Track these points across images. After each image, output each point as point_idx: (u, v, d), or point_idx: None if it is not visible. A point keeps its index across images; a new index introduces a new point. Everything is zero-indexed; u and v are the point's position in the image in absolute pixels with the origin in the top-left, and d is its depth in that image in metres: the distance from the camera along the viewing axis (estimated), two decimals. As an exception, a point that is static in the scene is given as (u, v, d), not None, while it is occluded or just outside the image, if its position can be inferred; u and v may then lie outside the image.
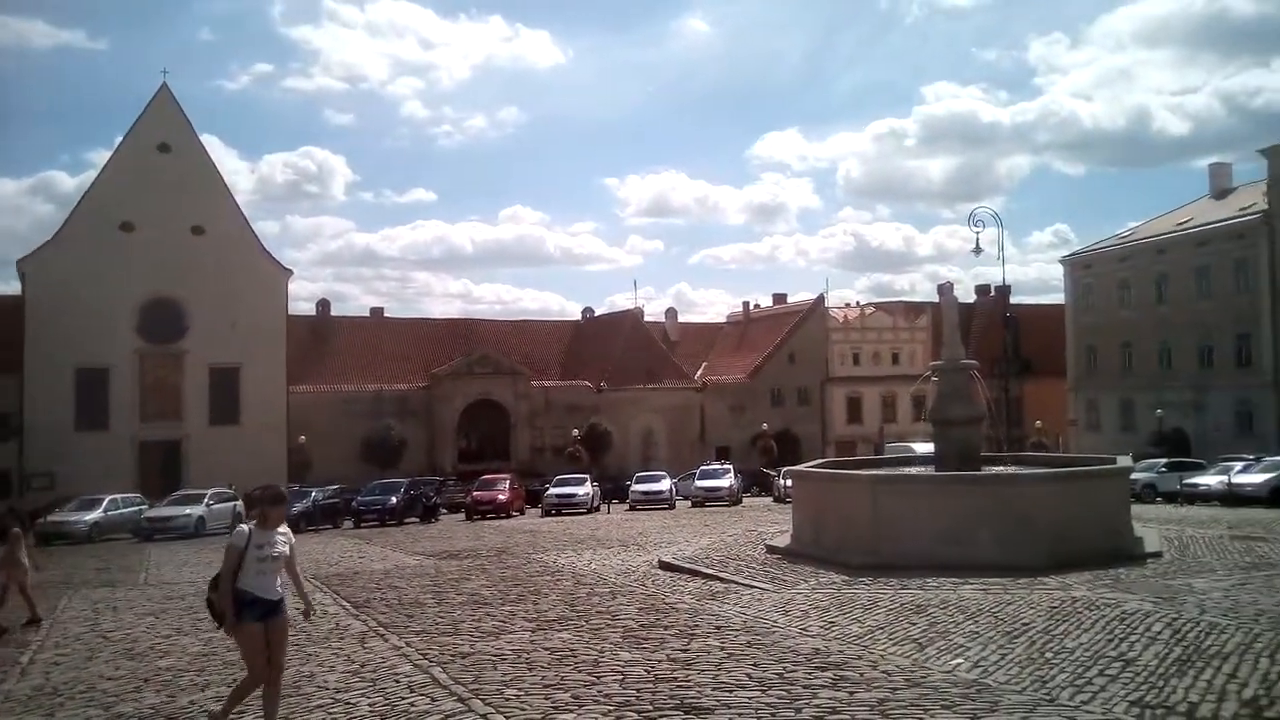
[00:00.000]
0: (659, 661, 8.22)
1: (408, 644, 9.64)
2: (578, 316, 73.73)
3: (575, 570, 15.32)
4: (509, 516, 34.20)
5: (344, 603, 12.83)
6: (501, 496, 35.13)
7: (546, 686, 7.56)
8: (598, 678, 7.75)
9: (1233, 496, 29.41)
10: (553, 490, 36.84)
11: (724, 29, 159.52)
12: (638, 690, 7.28)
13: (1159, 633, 8.46)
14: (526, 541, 21.67)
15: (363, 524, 32.09)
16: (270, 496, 6.75)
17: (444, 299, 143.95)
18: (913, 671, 7.47)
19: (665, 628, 9.81)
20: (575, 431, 47.72)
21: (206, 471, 41.69)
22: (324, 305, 64.79)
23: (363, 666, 8.73)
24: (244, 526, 6.63)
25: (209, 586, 6.71)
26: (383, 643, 9.81)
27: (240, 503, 31.13)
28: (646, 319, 72.89)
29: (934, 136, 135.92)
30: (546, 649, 9.02)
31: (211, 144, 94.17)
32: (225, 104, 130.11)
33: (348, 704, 7.38)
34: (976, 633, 8.82)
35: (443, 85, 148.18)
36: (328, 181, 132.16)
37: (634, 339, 65.26)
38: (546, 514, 34.76)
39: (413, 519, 33.45)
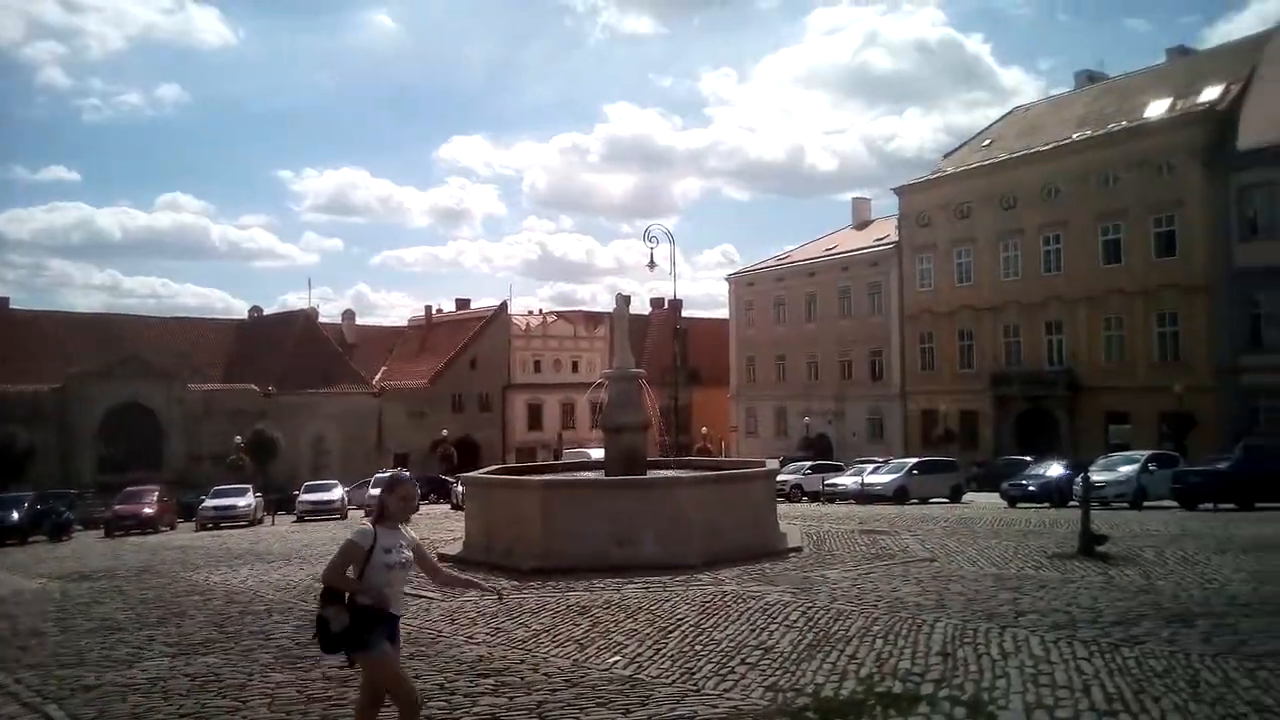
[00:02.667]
0: (313, 681, 7.77)
1: (18, 680, 8.43)
2: (244, 315, 69.08)
3: (228, 588, 14.20)
4: (157, 532, 31.17)
5: (-62, 638, 11.04)
6: (148, 510, 31.90)
7: (183, 716, 6.90)
8: (243, 702, 7.19)
9: (865, 495, 32.99)
10: (209, 502, 34.11)
11: (411, 28, 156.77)
12: (287, 713, 6.83)
13: (795, 621, 9.20)
14: (175, 559, 19.83)
15: (-26, 545, 27.91)
16: (390, 482, 5.20)
17: (85, 290, 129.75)
18: (573, 672, 7.60)
19: (325, 645, 9.31)
20: (238, 439, 44.51)
21: None
22: (-68, 294, 55.97)
23: (-46, 711, 7.52)
24: (366, 523, 5.20)
25: (321, 599, 5.05)
26: (-15, 681, 8.52)
27: None
28: (322, 320, 69.83)
29: (615, 154, 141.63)
30: (187, 675, 8.24)
31: None
32: None
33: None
34: (635, 630, 9.15)
35: (91, 54, 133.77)
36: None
37: (307, 341, 62.18)
38: (202, 528, 32.09)
39: (39, 537, 29.60)
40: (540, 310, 78.25)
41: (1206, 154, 40.11)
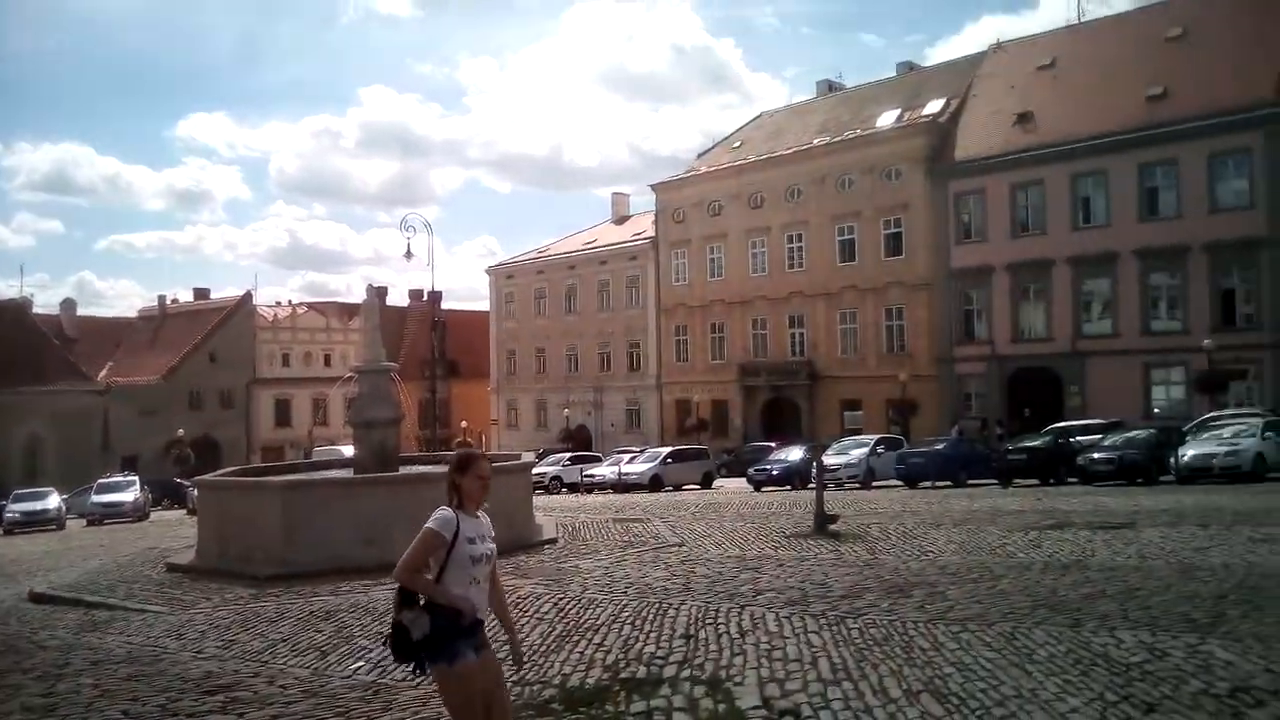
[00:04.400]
0: (9, 714, 6.96)
1: None
2: (-59, 305, 61.23)
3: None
4: None
5: None
6: None
7: None
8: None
9: (622, 484, 33.68)
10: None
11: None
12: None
13: (546, 612, 9.20)
14: None
15: None
16: (462, 460, 4.40)
17: None
18: (312, 681, 7.24)
19: (25, 671, 8.37)
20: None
21: None
22: None
23: None
24: (446, 509, 4.26)
25: (397, 602, 4.16)
26: None
27: None
28: (37, 310, 63.22)
29: (371, 139, 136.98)
30: None
31: None
32: None
33: None
34: (382, 633, 8.83)
35: None
36: None
37: (18, 333, 55.94)
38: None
39: None
40: (289, 301, 74.50)
41: (929, 162, 43.89)
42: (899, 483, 28.26)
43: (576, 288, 59.92)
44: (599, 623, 8.60)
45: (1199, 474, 22.49)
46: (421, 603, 4.11)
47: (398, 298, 73.59)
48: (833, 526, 14.38)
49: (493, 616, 4.42)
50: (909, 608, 8.43)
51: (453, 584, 4.12)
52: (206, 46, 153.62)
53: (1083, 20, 48.52)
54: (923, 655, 6.73)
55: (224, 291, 70.54)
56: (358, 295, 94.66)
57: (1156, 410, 35.84)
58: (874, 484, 29.00)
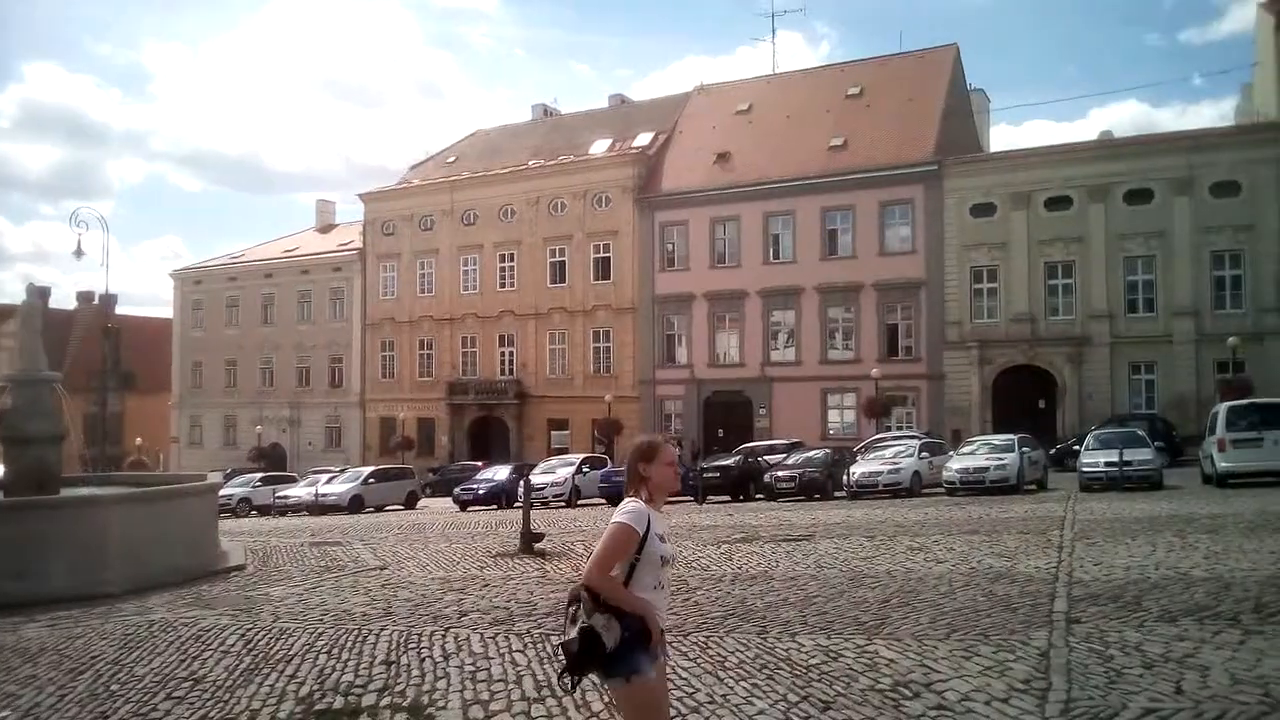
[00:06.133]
0: None
1: None
2: None
3: None
4: None
5: None
6: None
7: None
8: None
9: (319, 506, 32.12)
10: None
11: None
12: None
13: (232, 645, 8.54)
14: None
15: None
16: (649, 448, 3.88)
17: None
18: (-60, 738, 6.26)
19: None
20: None
21: None
22: None
23: None
24: (638, 502, 3.78)
25: (589, 605, 3.63)
26: None
27: None
28: None
29: (35, 121, 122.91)
30: None
31: None
32: None
33: None
34: (34, 676, 7.81)
35: None
36: None
37: None
38: None
39: None
40: (-74, 299, 64.66)
41: (637, 192, 45.75)
42: (603, 501, 28.99)
43: (275, 297, 56.74)
44: (292, 653, 8.10)
45: (866, 490, 24.86)
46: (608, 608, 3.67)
47: (63, 300, 66.04)
48: (539, 545, 14.49)
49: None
50: (611, 622, 8.62)
51: (641, 587, 3.72)
52: None
53: (776, 72, 52.70)
54: (623, 668, 6.89)
55: None
56: (14, 295, 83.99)
57: (832, 431, 39.36)
58: (579, 502, 29.57)
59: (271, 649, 8.31)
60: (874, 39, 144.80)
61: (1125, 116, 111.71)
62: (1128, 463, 21.68)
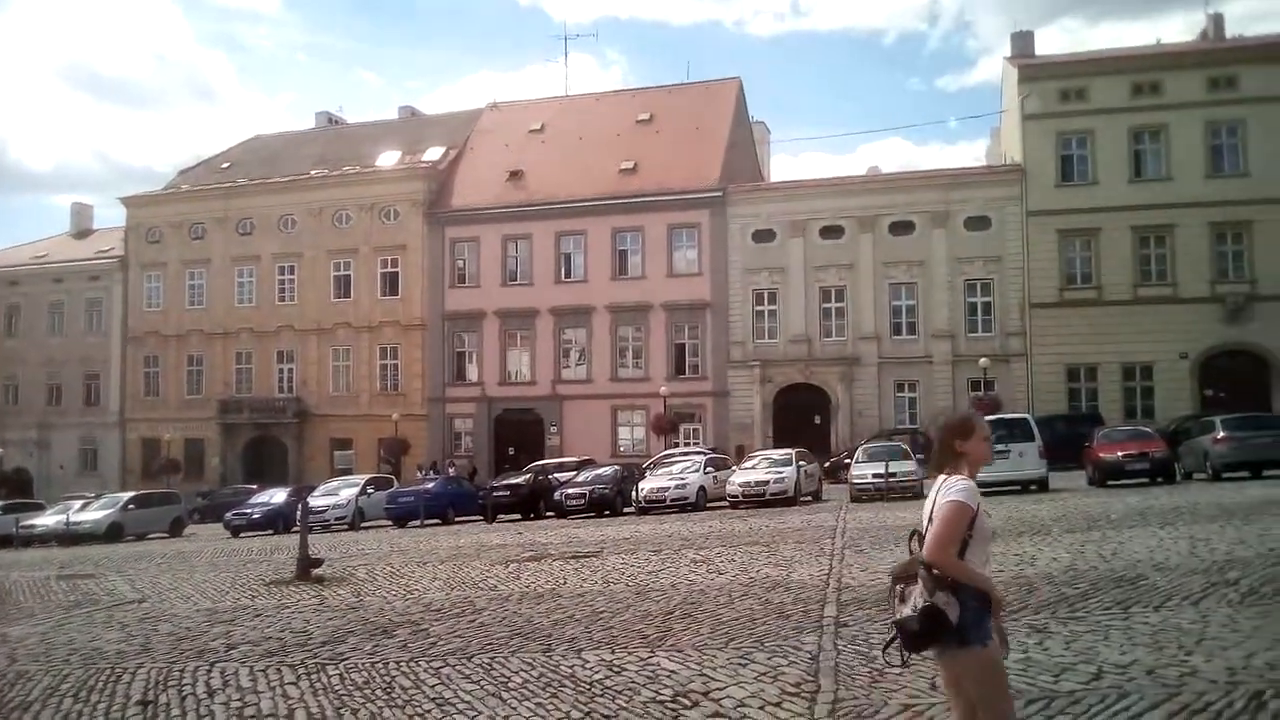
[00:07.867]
0: None
1: None
2: None
3: None
4: None
5: None
6: None
7: None
8: None
9: (70, 535, 29.40)
10: None
11: None
12: None
13: (-43, 694, 7.66)
14: None
15: None
16: (965, 422, 3.92)
17: None
18: None
19: None
20: None
21: None
22: None
23: None
24: (965, 479, 3.76)
25: (928, 585, 3.59)
26: None
27: None
28: None
29: None
30: None
31: None
32: None
33: None
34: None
35: None
36: None
37: None
38: None
39: None
40: None
41: (427, 207, 44.85)
42: (389, 523, 28.13)
43: (21, 307, 51.71)
44: (31, 699, 7.37)
45: (655, 505, 25.34)
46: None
47: None
48: (317, 571, 13.85)
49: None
50: (392, 648, 8.37)
51: (975, 562, 3.75)
52: None
53: (569, 94, 53.22)
54: (404, 694, 6.71)
55: None
56: None
57: (622, 448, 39.90)
58: (364, 525, 28.56)
59: (7, 695, 7.53)
60: (662, 68, 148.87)
61: (891, 153, 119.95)
62: (893, 474, 23.22)
